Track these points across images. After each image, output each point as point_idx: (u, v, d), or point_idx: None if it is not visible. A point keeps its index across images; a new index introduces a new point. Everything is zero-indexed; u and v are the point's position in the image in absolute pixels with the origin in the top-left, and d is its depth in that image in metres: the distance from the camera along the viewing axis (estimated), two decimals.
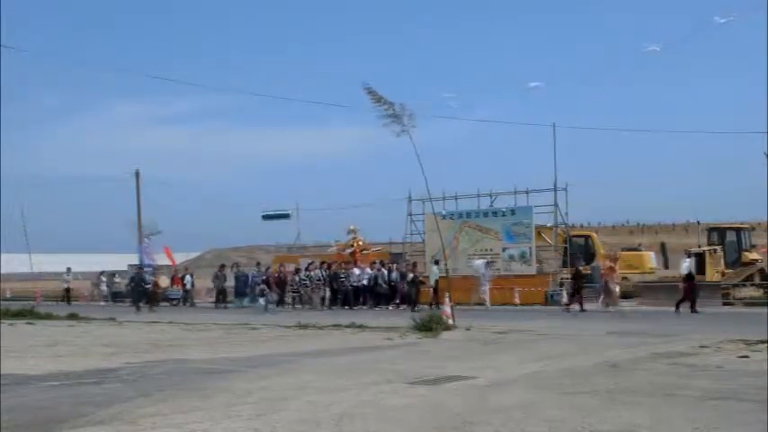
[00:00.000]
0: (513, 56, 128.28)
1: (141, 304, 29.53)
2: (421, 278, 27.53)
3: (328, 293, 28.65)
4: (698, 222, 44.07)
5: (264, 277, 29.06)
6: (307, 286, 28.68)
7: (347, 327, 17.38)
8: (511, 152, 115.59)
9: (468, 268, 27.81)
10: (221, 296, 31.79)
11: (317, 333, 16.54)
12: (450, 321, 16.78)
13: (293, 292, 29.50)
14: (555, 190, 28.82)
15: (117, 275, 38.03)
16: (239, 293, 31.87)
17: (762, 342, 12.02)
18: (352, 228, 33.40)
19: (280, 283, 29.19)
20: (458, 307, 25.32)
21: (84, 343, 14.86)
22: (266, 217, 40.16)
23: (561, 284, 28.12)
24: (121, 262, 42.24)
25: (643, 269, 31.06)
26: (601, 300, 23.14)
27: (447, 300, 19.66)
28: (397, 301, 27.45)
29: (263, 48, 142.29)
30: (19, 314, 23.11)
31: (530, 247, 28.74)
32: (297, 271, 29.57)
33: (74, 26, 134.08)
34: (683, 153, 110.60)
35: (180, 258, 50.67)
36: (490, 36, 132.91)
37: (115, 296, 36.90)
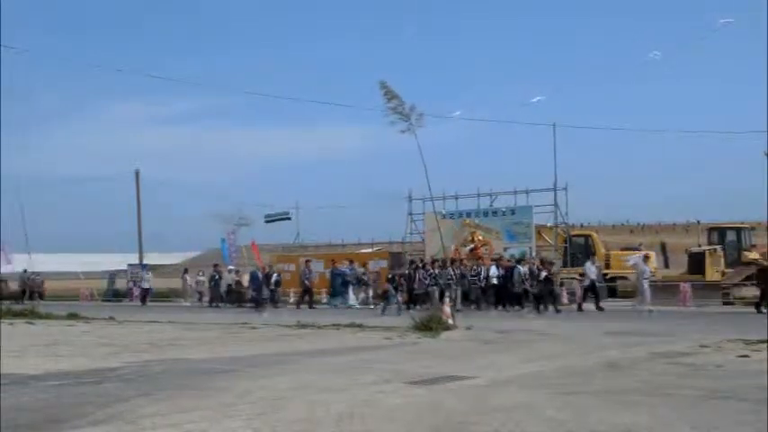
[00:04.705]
0: (513, 56, 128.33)
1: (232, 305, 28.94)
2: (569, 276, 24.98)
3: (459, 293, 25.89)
4: (698, 222, 44.14)
5: (391, 276, 26.25)
6: (434, 285, 25.88)
7: (347, 326, 17.38)
8: (511, 152, 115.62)
9: None
10: (307, 295, 29.09)
11: (317, 332, 16.55)
12: (450, 321, 16.80)
13: (413, 291, 26.30)
14: (555, 190, 28.87)
15: (202, 273, 34.89)
16: (335, 293, 29.41)
17: (762, 342, 12.03)
18: (467, 222, 30.76)
19: (408, 283, 26.15)
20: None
21: (83, 343, 14.87)
22: (269, 220, 39.56)
23: (562, 284, 28.11)
24: (123, 262, 42.15)
25: None
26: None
27: (447, 299, 19.68)
28: (536, 305, 24.56)
29: (262, 47, 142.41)
30: (19, 314, 23.12)
31: (530, 247, 28.77)
32: (416, 269, 26.79)
33: (73, 26, 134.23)
34: (682, 153, 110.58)
35: (180, 258, 50.64)
36: (491, 35, 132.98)
37: (199, 296, 34.79)
